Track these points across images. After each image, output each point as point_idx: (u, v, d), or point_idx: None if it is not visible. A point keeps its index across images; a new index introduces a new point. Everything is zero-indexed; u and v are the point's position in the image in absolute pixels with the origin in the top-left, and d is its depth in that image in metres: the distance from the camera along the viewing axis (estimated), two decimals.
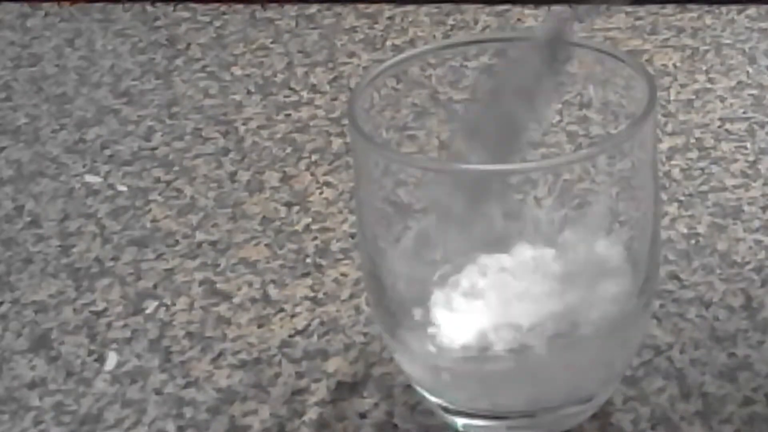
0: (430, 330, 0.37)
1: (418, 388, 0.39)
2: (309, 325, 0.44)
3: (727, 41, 0.61)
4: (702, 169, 0.51)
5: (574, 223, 0.37)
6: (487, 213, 0.36)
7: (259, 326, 0.44)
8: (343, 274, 0.47)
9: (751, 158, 0.52)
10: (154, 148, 0.57)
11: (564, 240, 0.38)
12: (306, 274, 0.47)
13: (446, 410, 0.38)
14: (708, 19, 0.64)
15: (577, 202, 0.36)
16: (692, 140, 0.53)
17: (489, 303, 0.37)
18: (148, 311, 0.46)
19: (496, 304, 0.37)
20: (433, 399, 0.38)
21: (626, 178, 0.35)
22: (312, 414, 0.40)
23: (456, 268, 0.38)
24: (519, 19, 0.65)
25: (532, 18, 0.65)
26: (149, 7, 0.71)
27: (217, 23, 0.68)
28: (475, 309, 0.37)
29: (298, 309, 0.45)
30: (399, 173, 0.35)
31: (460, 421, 0.38)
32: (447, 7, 0.68)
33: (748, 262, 0.46)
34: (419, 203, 0.35)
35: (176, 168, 0.55)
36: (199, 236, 0.50)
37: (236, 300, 0.46)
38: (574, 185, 0.35)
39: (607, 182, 0.35)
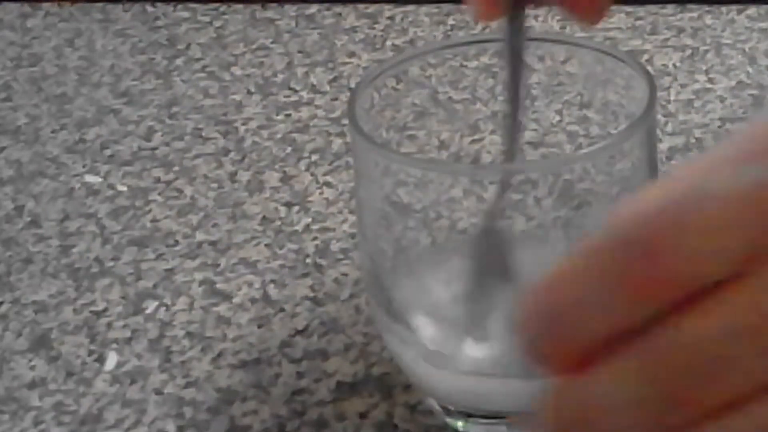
0: (428, 332, 0.37)
1: (418, 388, 0.39)
2: (309, 325, 0.44)
3: (727, 41, 0.61)
4: None
5: (574, 223, 0.37)
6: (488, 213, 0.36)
7: (259, 326, 0.44)
8: (343, 274, 0.47)
9: None
10: (154, 148, 0.57)
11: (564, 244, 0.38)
12: (306, 274, 0.47)
13: (446, 411, 0.38)
14: (708, 19, 0.64)
15: (577, 202, 0.36)
16: (692, 140, 0.53)
17: (490, 309, 0.37)
18: (148, 311, 0.46)
19: (497, 310, 0.37)
20: (432, 399, 0.38)
21: (626, 178, 0.35)
22: (312, 414, 0.40)
23: (455, 272, 0.38)
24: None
25: (531, 18, 0.65)
26: (149, 7, 0.71)
27: (217, 23, 0.68)
28: (474, 313, 0.37)
29: (298, 309, 0.45)
30: (399, 173, 0.35)
31: (460, 422, 0.38)
32: (447, 7, 0.68)
33: None
34: (419, 203, 0.35)
35: (176, 168, 0.55)
36: (199, 236, 0.50)
37: (236, 300, 0.46)
38: (574, 185, 0.35)
39: (607, 182, 0.35)
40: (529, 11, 0.37)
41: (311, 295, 0.46)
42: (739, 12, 0.64)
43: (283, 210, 0.51)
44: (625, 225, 0.26)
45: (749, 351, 0.26)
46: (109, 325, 0.45)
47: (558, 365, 0.28)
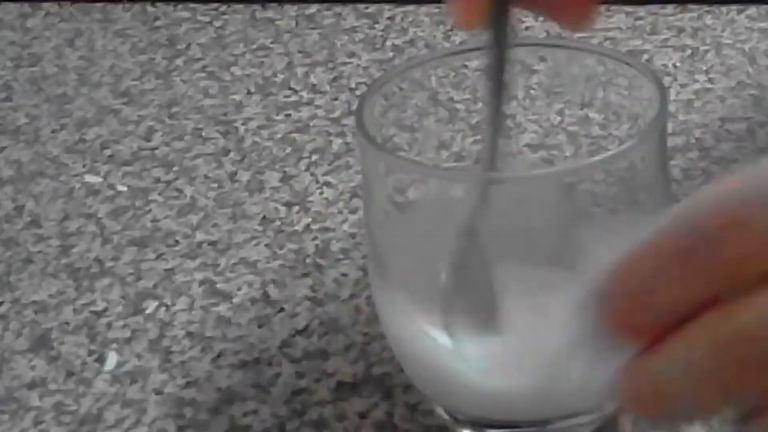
0: (440, 335, 0.37)
1: (420, 389, 0.38)
2: (309, 325, 0.44)
3: (727, 41, 0.61)
4: (702, 169, 0.51)
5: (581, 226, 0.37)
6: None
7: (259, 326, 0.44)
8: (343, 274, 0.47)
9: (751, 158, 0.52)
10: (154, 148, 0.57)
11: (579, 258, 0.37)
12: (306, 274, 0.47)
13: (456, 420, 0.38)
14: (708, 19, 0.64)
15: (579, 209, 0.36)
16: (692, 140, 0.53)
17: (502, 318, 0.37)
18: (148, 311, 0.46)
19: (510, 320, 0.36)
20: (440, 406, 0.38)
21: (638, 185, 0.34)
22: (312, 414, 0.40)
23: (467, 276, 0.38)
24: (519, 20, 0.65)
25: (531, 18, 0.65)
26: (149, 7, 0.71)
27: (217, 23, 0.68)
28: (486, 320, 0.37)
29: (298, 309, 0.45)
30: (403, 175, 0.35)
31: (467, 431, 0.38)
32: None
33: None
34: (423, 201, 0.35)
35: (176, 168, 0.55)
36: (199, 236, 0.50)
37: (236, 300, 0.46)
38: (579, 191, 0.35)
39: (618, 191, 0.35)
40: (516, 19, 0.36)
41: (311, 295, 0.46)
42: (739, 12, 0.64)
43: (283, 210, 0.51)
44: (695, 213, 0.28)
45: None
46: (109, 325, 0.45)
47: (638, 336, 0.29)
